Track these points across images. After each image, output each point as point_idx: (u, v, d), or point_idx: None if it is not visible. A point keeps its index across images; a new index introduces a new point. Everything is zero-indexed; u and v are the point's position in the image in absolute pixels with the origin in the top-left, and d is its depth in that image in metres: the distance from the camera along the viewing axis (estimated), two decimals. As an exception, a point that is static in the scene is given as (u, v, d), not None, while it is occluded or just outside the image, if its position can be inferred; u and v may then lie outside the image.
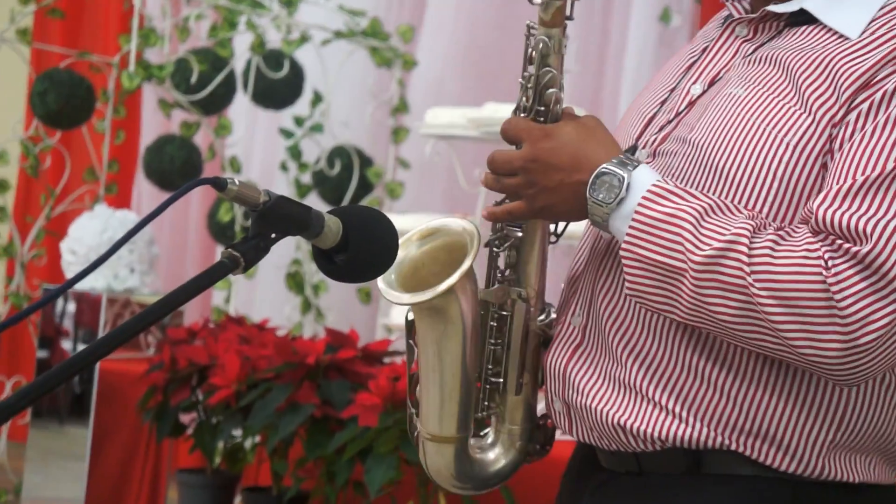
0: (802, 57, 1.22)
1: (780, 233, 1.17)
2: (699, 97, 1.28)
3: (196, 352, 2.96)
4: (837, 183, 1.17)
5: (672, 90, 1.32)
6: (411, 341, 1.32)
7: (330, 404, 2.61)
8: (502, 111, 3.17)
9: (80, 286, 3.51)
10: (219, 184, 1.12)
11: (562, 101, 1.26)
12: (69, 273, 3.55)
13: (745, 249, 1.15)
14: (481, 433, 1.35)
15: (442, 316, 1.27)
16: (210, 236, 3.91)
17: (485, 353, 1.31)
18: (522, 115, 1.26)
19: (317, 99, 3.85)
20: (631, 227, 1.18)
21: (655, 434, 1.23)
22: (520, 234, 1.28)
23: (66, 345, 3.58)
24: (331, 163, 3.82)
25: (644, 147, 1.29)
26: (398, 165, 3.86)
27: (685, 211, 1.18)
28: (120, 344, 1.09)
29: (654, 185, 1.19)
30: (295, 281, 3.79)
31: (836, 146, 1.18)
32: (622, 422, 1.24)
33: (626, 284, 1.20)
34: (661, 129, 1.29)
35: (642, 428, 1.23)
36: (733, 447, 1.21)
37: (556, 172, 1.22)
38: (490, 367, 1.31)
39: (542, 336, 1.32)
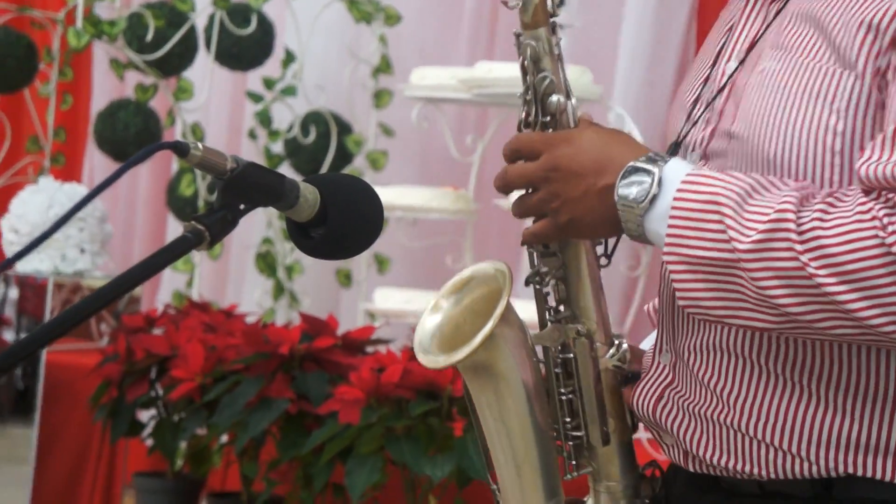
0: (834, 5, 1.20)
1: (829, 199, 1.15)
2: (734, 74, 1.27)
3: (155, 341, 2.96)
4: (881, 132, 1.15)
5: (708, 78, 1.31)
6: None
7: (306, 399, 2.62)
8: (497, 70, 3.16)
9: (24, 269, 3.51)
10: (180, 149, 1.12)
11: (568, 109, 1.24)
12: (11, 255, 3.54)
13: (792, 227, 1.13)
14: (584, 500, 1.32)
15: (490, 373, 1.25)
16: (160, 215, 3.91)
17: (557, 405, 1.29)
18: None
19: (288, 58, 3.84)
20: (670, 225, 1.16)
21: (771, 475, 1.21)
22: (556, 260, 1.25)
23: (8, 335, 3.58)
24: (305, 130, 3.81)
25: (693, 150, 1.28)
26: (380, 133, 3.86)
27: (724, 194, 1.15)
28: (67, 330, 1.09)
29: (688, 175, 1.18)
30: (266, 262, 3.79)
31: (888, 94, 1.16)
32: (732, 466, 1.22)
33: (678, 295, 1.17)
34: (707, 124, 1.27)
35: (754, 471, 1.21)
36: (860, 473, 1.20)
37: (581, 179, 1.19)
38: (568, 420, 1.29)
39: (620, 373, 1.29)
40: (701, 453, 1.24)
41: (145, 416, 3.06)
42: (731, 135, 1.24)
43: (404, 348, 2.72)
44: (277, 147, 3.87)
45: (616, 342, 1.29)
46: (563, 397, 1.28)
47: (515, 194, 1.28)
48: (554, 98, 1.24)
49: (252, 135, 3.86)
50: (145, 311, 3.22)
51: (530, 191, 1.25)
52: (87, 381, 3.14)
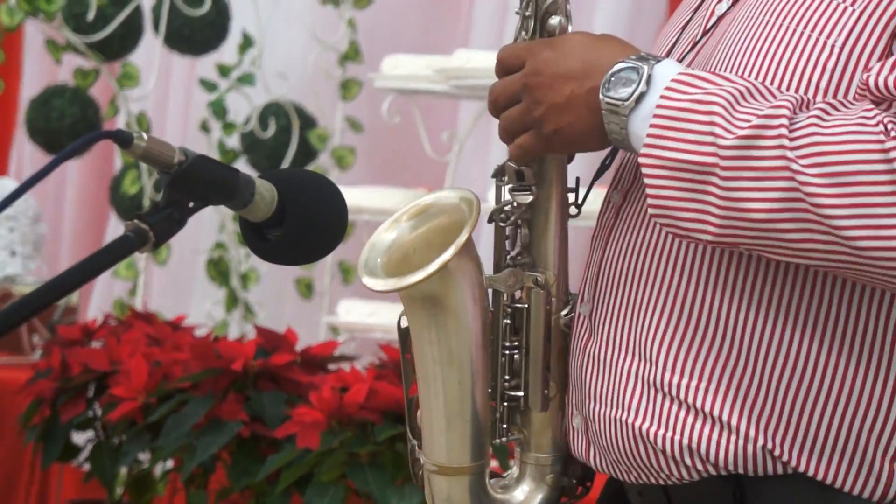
0: None
1: (831, 102, 1.14)
2: (727, 12, 1.27)
3: (93, 355, 2.94)
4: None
5: (695, 10, 1.31)
6: (408, 356, 1.29)
7: (261, 421, 2.61)
8: (476, 60, 3.17)
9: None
10: (122, 138, 1.12)
11: (569, 31, 1.24)
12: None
13: (785, 122, 1.12)
14: (503, 474, 1.31)
15: (439, 307, 1.24)
16: (101, 215, 3.88)
17: (499, 359, 1.28)
18: None
19: (246, 43, 3.83)
20: (652, 124, 1.15)
21: (685, 444, 1.18)
22: (528, 195, 1.25)
23: (-70, 347, 3.55)
24: (264, 123, 3.80)
25: None
26: (348, 127, 3.86)
27: (717, 95, 1.14)
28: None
29: (680, 74, 1.17)
30: (218, 269, 3.78)
31: None
32: (644, 432, 1.20)
33: (650, 203, 1.16)
34: (684, 55, 1.28)
35: (669, 437, 1.19)
36: (786, 460, 1.17)
37: (566, 83, 1.19)
38: (507, 378, 1.28)
39: (569, 335, 1.29)
40: (609, 412, 1.22)
41: (81, 438, 3.04)
42: (710, 59, 1.23)
43: (370, 366, 2.72)
44: (233, 141, 3.86)
45: (571, 301, 1.28)
46: (507, 352, 1.27)
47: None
48: (555, 19, 1.24)
49: (205, 127, 3.85)
50: (83, 322, 3.21)
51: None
52: (16, 399, 3.12)
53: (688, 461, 1.20)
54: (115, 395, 2.79)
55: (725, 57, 1.22)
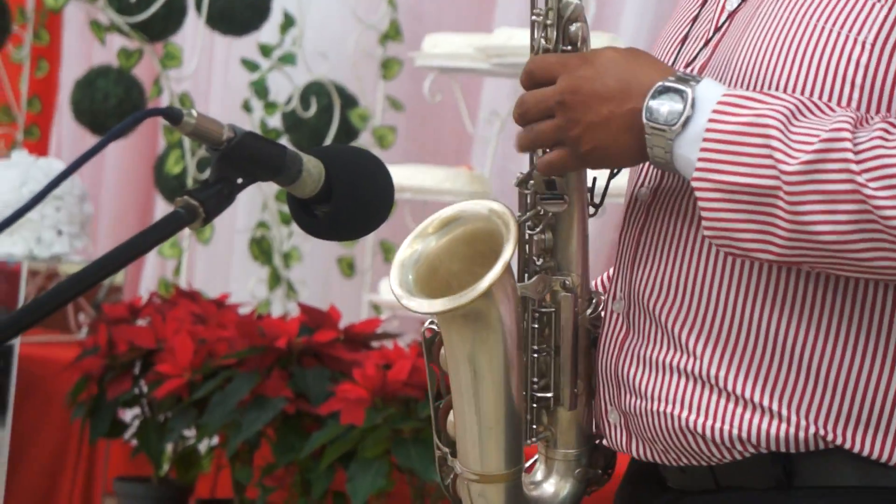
0: None
1: (891, 120, 1.14)
2: (738, 8, 1.26)
3: (139, 333, 2.97)
4: None
5: (703, 5, 1.30)
6: (433, 366, 1.30)
7: (305, 398, 2.63)
8: (517, 37, 3.17)
9: (-5, 254, 3.52)
10: (173, 116, 1.13)
11: (589, 41, 1.24)
12: (-19, 237, 3.55)
13: (849, 146, 1.12)
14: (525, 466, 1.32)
15: (479, 324, 1.24)
16: (146, 195, 3.90)
17: (528, 363, 1.29)
18: None
19: (287, 23, 3.84)
20: (703, 148, 1.15)
21: (735, 434, 1.20)
22: (562, 208, 1.25)
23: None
24: (305, 102, 3.81)
25: None
26: (388, 106, 3.86)
27: (769, 115, 1.14)
28: (42, 318, 1.09)
29: (725, 95, 1.17)
30: (261, 248, 3.80)
31: None
32: (692, 424, 1.22)
33: (705, 225, 1.16)
34: (697, 55, 1.27)
35: (718, 428, 1.21)
36: (838, 441, 1.19)
37: (603, 103, 1.19)
38: (535, 380, 1.29)
39: (593, 333, 1.30)
40: (664, 410, 1.23)
41: (128, 415, 3.08)
42: (732, 64, 1.23)
43: (413, 343, 2.73)
44: (275, 121, 3.88)
45: (594, 300, 1.30)
46: (535, 355, 1.28)
47: None
48: (576, 26, 1.23)
49: (247, 107, 3.87)
50: (128, 301, 3.24)
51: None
52: (64, 376, 3.15)
53: (738, 447, 1.22)
54: (160, 372, 2.81)
55: (751, 57, 1.21)
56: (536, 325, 1.28)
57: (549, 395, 1.29)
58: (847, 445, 1.20)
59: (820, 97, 1.18)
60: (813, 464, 1.20)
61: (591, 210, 1.29)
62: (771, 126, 1.14)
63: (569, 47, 1.23)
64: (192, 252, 3.86)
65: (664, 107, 1.17)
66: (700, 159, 1.16)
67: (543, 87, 1.22)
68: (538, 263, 1.28)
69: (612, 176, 1.31)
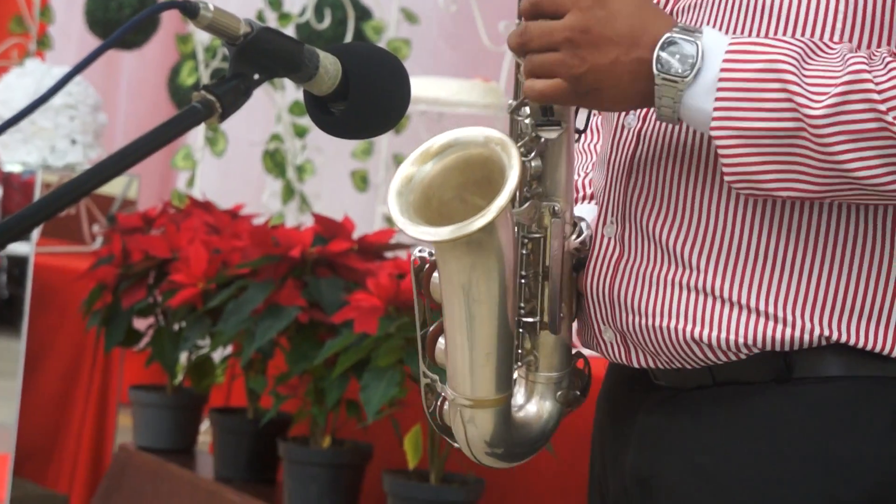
0: None
1: None
2: None
3: (154, 242, 2.98)
4: None
5: None
6: (421, 293, 1.31)
7: (319, 307, 2.64)
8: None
9: (10, 162, 3.53)
10: (189, 8, 1.12)
11: None
12: (-4, 146, 3.56)
13: (871, 87, 1.15)
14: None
15: (480, 252, 1.25)
16: (160, 106, 3.89)
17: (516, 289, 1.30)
18: None
19: (302, -67, 3.81)
20: (719, 98, 1.17)
21: (741, 341, 1.24)
22: (559, 134, 1.25)
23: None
24: (319, 14, 3.79)
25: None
26: (403, 18, 3.84)
27: (780, 60, 1.16)
28: (64, 206, 1.08)
29: (732, 44, 1.19)
30: (274, 161, 3.80)
31: None
32: (698, 335, 1.24)
33: (726, 171, 1.19)
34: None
35: (724, 337, 1.24)
36: (837, 336, 1.23)
37: (612, 47, 1.19)
38: (522, 305, 1.30)
39: (575, 258, 1.32)
40: (656, 322, 1.26)
41: (142, 324, 3.10)
42: (717, 6, 1.24)
43: (427, 254, 2.73)
44: (288, 33, 3.85)
45: (577, 224, 1.31)
46: (522, 280, 1.30)
47: None
48: None
49: (260, 18, 3.85)
50: (143, 211, 3.24)
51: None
52: (78, 286, 3.17)
53: (743, 351, 1.25)
54: (175, 281, 2.83)
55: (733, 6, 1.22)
56: (524, 252, 1.30)
57: (535, 319, 1.30)
58: (849, 340, 1.23)
59: (818, 17, 1.19)
60: (812, 358, 1.24)
61: (576, 136, 1.29)
62: (785, 70, 1.16)
63: None
64: (204, 164, 3.86)
65: (675, 58, 1.19)
66: (716, 108, 1.18)
67: (549, 21, 1.21)
68: (528, 190, 1.28)
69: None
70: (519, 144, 1.27)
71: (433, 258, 1.31)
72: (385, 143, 3.75)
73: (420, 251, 1.33)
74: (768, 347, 1.23)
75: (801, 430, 1.23)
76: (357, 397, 2.51)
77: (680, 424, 1.28)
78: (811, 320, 1.23)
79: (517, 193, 1.28)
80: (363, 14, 3.83)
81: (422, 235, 1.24)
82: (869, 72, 1.16)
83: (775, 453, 1.23)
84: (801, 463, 1.23)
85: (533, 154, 1.27)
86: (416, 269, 1.32)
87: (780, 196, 1.20)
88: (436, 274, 1.32)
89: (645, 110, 1.29)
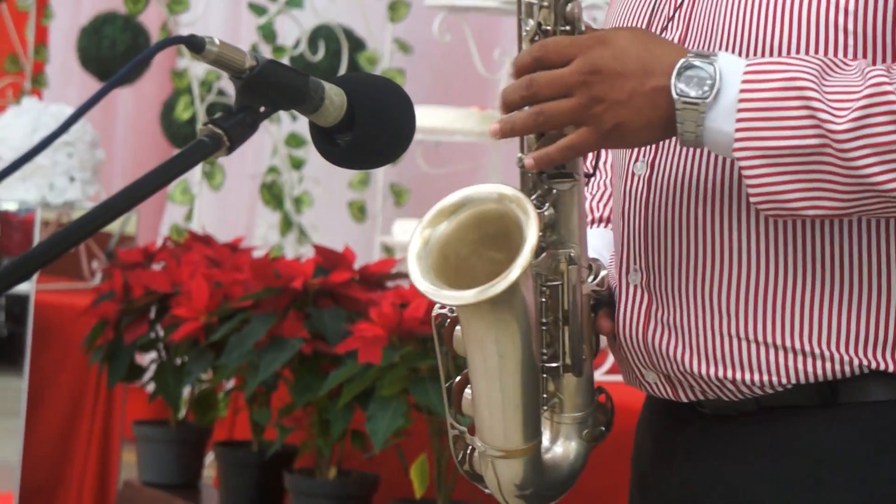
0: None
1: None
2: None
3: (154, 277, 2.98)
4: None
5: None
6: (444, 347, 1.31)
7: (322, 338, 2.64)
8: (528, -24, 3.14)
9: (5, 203, 3.53)
10: (195, 43, 1.12)
11: (584, 18, 1.24)
12: (-7, 185, 3.56)
13: (893, 97, 1.15)
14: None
15: (504, 308, 1.25)
16: (154, 142, 3.90)
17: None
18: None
19: (294, -34, 3.83)
20: (740, 118, 1.17)
21: (783, 381, 1.25)
22: (569, 182, 1.26)
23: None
24: (313, 46, 3.81)
25: None
26: (397, 49, 3.85)
27: (800, 78, 1.17)
28: (64, 251, 1.08)
29: (750, 64, 1.19)
30: (272, 193, 3.80)
31: None
32: (740, 379, 1.25)
33: (751, 192, 1.19)
34: (668, 23, 1.28)
35: (767, 380, 1.25)
36: (873, 366, 1.24)
37: (626, 81, 1.19)
38: (544, 351, 1.31)
39: (593, 299, 1.32)
40: (697, 369, 1.26)
41: (145, 359, 3.09)
42: (712, 28, 1.24)
43: (448, 310, 2.72)
44: (283, 65, 3.87)
45: (593, 266, 1.31)
46: (543, 327, 1.31)
47: None
48: (573, 4, 1.23)
49: (254, 51, 3.85)
50: (143, 246, 3.25)
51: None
52: (79, 322, 3.17)
53: (788, 387, 1.26)
54: (177, 315, 2.82)
55: (736, 21, 1.22)
56: (543, 300, 1.30)
57: (558, 364, 1.31)
58: (887, 368, 1.23)
59: (816, 50, 1.20)
60: (857, 384, 1.24)
61: (586, 180, 1.30)
62: (805, 87, 1.17)
63: (567, 27, 1.23)
64: (202, 198, 3.86)
65: (693, 81, 1.19)
66: (738, 129, 1.18)
67: (556, 69, 1.21)
68: (543, 239, 1.28)
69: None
70: (532, 198, 1.27)
71: (454, 314, 1.32)
72: (382, 173, 3.76)
73: (440, 307, 1.32)
74: (811, 381, 1.24)
75: (847, 455, 1.23)
76: (362, 427, 2.50)
77: (724, 449, 1.28)
78: (850, 353, 1.23)
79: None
80: (357, 45, 3.85)
81: (446, 300, 1.24)
82: (890, 83, 1.16)
83: (821, 479, 1.24)
84: (845, 487, 1.23)
85: (546, 205, 1.27)
86: (438, 325, 1.32)
87: (806, 215, 1.19)
88: (458, 328, 1.32)
89: (653, 156, 1.28)
